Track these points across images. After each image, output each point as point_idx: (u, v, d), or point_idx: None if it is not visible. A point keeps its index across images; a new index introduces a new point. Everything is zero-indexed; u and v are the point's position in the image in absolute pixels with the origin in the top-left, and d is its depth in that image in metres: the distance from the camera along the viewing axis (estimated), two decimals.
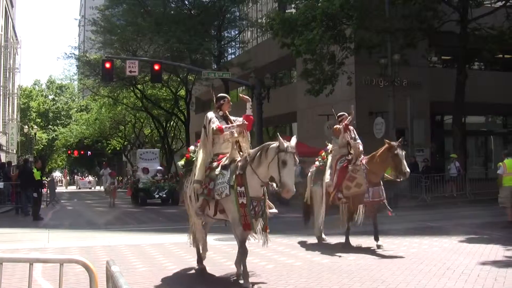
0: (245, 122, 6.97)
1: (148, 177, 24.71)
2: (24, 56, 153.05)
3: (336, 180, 9.57)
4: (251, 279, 6.72)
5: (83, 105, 65.41)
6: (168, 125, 47.32)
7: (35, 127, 58.84)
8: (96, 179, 62.47)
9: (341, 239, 9.94)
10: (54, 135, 66.99)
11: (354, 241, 10.01)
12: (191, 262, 8.10)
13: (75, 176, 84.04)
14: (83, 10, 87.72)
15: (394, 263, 8.14)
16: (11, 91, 46.50)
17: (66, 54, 74.62)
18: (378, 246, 9.42)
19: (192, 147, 7.86)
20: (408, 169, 9.28)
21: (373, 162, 9.51)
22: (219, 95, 7.48)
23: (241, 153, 6.93)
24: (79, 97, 71.47)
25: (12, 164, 24.62)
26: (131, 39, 33.67)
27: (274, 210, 7.23)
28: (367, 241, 9.88)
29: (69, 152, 65.62)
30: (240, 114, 7.22)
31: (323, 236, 10.32)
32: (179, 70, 33.31)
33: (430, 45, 24.86)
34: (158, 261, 8.70)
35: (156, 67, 22.85)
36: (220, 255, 8.98)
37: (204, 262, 7.77)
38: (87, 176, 75.03)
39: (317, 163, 10.42)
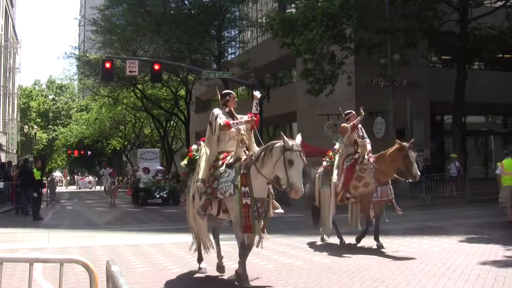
0: (254, 118, 6.81)
1: (149, 177, 24.70)
2: (24, 56, 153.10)
3: (343, 179, 9.41)
4: (251, 279, 6.70)
5: (83, 105, 65.44)
6: (168, 125, 47.31)
7: (35, 127, 58.84)
8: (96, 179, 62.50)
9: (349, 239, 9.89)
10: (54, 135, 67.00)
11: (353, 240, 10.00)
12: (191, 262, 8.09)
13: (75, 176, 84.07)
14: (83, 10, 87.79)
15: (394, 263, 8.13)
16: (11, 91, 46.49)
17: (66, 54, 74.55)
18: (378, 246, 9.40)
19: (194, 146, 7.64)
20: (418, 172, 9.16)
21: (382, 161, 9.37)
22: (224, 91, 7.36)
23: (246, 151, 6.80)
24: (79, 97, 71.52)
25: (12, 164, 24.64)
26: (131, 39, 33.67)
27: (280, 210, 7.07)
28: (367, 241, 9.86)
29: (69, 152, 65.61)
30: (240, 114, 7.17)
31: (325, 236, 10.25)
32: (179, 70, 33.30)
33: (430, 45, 24.86)
34: (158, 261, 8.69)
35: (156, 67, 22.87)
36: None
37: (205, 262, 7.73)
38: (87, 176, 75.10)
39: (324, 163, 10.24)
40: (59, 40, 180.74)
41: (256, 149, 6.77)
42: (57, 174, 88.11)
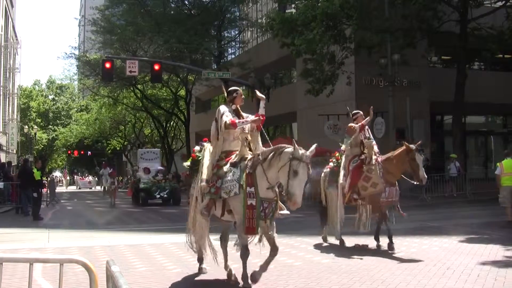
0: (260, 117, 6.66)
1: (149, 177, 24.68)
2: (24, 56, 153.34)
3: (350, 180, 9.34)
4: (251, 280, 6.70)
5: (83, 105, 65.43)
6: (168, 125, 47.31)
7: (35, 127, 58.84)
8: (96, 179, 62.47)
9: (356, 240, 9.88)
10: (54, 135, 67.00)
11: (354, 241, 10.02)
12: (191, 262, 8.08)
13: (75, 176, 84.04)
14: (83, 10, 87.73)
15: (394, 263, 8.13)
16: (11, 91, 46.50)
17: (66, 54, 74.44)
18: (378, 246, 9.41)
19: (197, 147, 7.46)
20: (425, 176, 9.06)
21: (390, 162, 9.31)
22: (231, 88, 7.18)
23: (250, 152, 6.68)
24: (79, 97, 71.52)
25: (12, 164, 24.64)
26: (131, 39, 33.66)
27: (286, 212, 6.84)
28: (367, 241, 9.87)
29: (69, 152, 65.58)
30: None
31: (326, 236, 10.25)
32: (179, 70, 33.29)
33: (430, 45, 24.89)
34: (158, 261, 8.69)
35: (156, 67, 22.87)
36: (221, 255, 8.93)
37: (205, 262, 7.69)
38: (87, 176, 75.02)
39: (331, 164, 10.17)
40: (59, 40, 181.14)
41: (262, 149, 6.60)
42: (57, 174, 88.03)
